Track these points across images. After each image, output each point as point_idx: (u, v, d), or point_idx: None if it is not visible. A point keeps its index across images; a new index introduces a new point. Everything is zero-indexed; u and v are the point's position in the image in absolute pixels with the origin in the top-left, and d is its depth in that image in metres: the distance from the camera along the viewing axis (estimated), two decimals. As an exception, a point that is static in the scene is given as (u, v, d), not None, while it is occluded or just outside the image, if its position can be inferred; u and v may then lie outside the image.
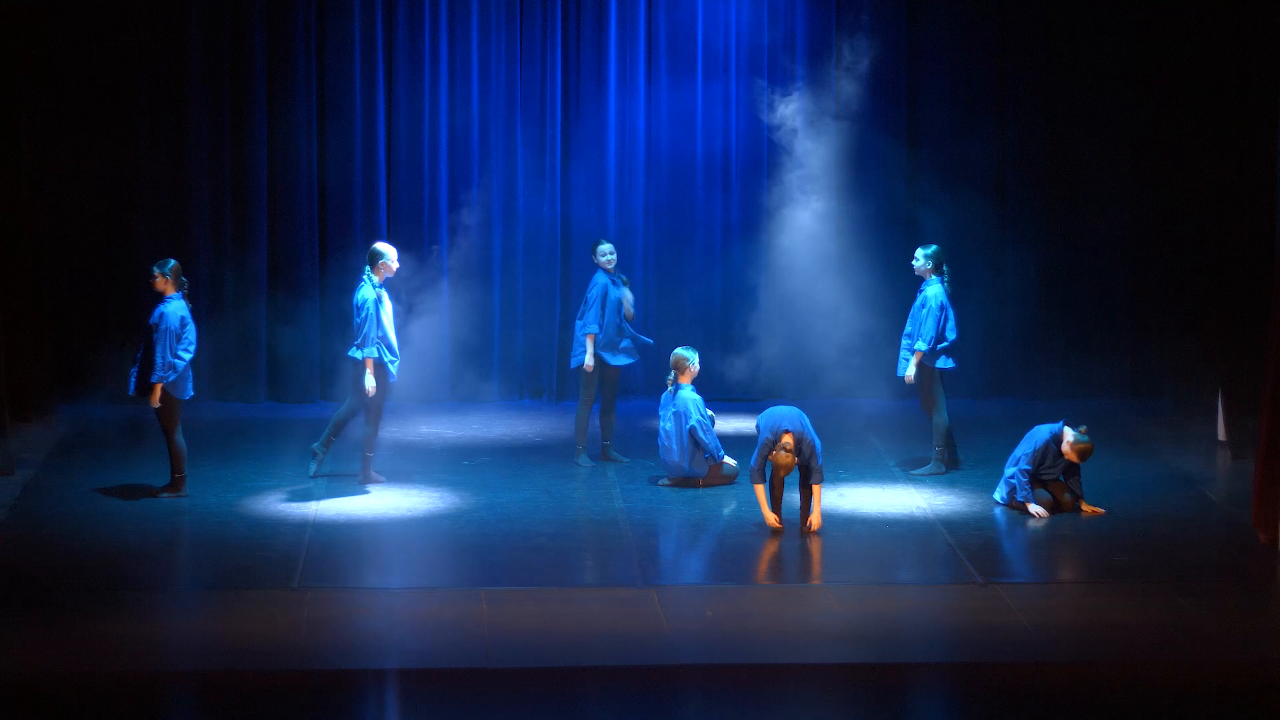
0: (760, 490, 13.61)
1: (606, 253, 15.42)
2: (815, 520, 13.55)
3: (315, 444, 14.92)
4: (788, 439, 13.49)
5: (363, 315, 14.48)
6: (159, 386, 14.06)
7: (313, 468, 14.84)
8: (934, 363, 15.03)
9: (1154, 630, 11.65)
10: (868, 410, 17.41)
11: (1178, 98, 17.60)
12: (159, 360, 14.04)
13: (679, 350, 14.95)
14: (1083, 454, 14.07)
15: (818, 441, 13.62)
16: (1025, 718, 10.46)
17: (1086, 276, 18.17)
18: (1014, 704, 10.62)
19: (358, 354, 14.53)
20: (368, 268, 14.62)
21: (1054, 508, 14.10)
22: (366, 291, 14.54)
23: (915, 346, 14.99)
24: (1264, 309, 14.45)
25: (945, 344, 15.05)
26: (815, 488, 13.57)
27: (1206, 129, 17.03)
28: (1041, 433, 14.16)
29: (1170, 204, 17.79)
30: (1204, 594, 12.28)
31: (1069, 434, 14.07)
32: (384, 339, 14.57)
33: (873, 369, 17.38)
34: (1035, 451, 14.08)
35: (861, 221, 17.89)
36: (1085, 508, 14.12)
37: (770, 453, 13.53)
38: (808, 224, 17.80)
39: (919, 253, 15.13)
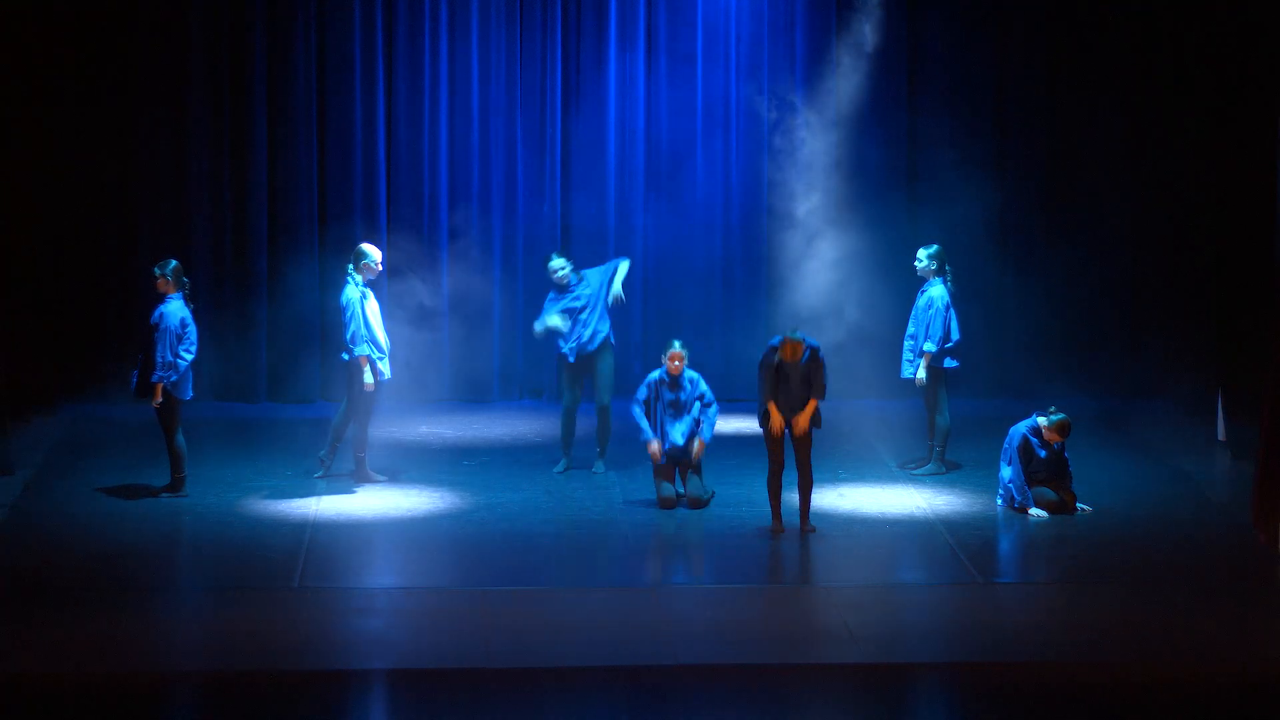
0: (772, 406, 13.48)
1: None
2: (803, 421, 13.43)
3: (322, 452, 14.95)
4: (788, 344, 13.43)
5: (349, 315, 14.50)
6: (159, 386, 14.06)
7: (320, 472, 14.88)
8: (940, 363, 15.03)
9: (1154, 630, 11.65)
10: (868, 411, 17.40)
11: (1178, 98, 17.61)
12: (158, 360, 14.05)
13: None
14: (1063, 429, 14.08)
15: (825, 360, 13.52)
16: (1025, 718, 10.46)
17: (1087, 277, 18.15)
18: (1014, 704, 10.62)
19: (348, 355, 14.55)
20: (350, 267, 14.65)
21: (1056, 508, 14.10)
22: (351, 291, 14.56)
23: (923, 347, 14.98)
24: (1264, 309, 14.45)
25: (950, 344, 15.06)
26: (812, 402, 13.46)
27: (1206, 129, 17.04)
28: (1017, 432, 14.17)
29: (1170, 204, 17.80)
30: (1203, 594, 12.28)
31: (1042, 421, 14.10)
32: (371, 338, 14.58)
33: (873, 369, 17.36)
34: (1018, 450, 14.10)
35: (862, 220, 17.86)
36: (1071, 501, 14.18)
37: (773, 364, 13.41)
38: (808, 223, 17.80)
39: (921, 253, 15.12)
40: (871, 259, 17.65)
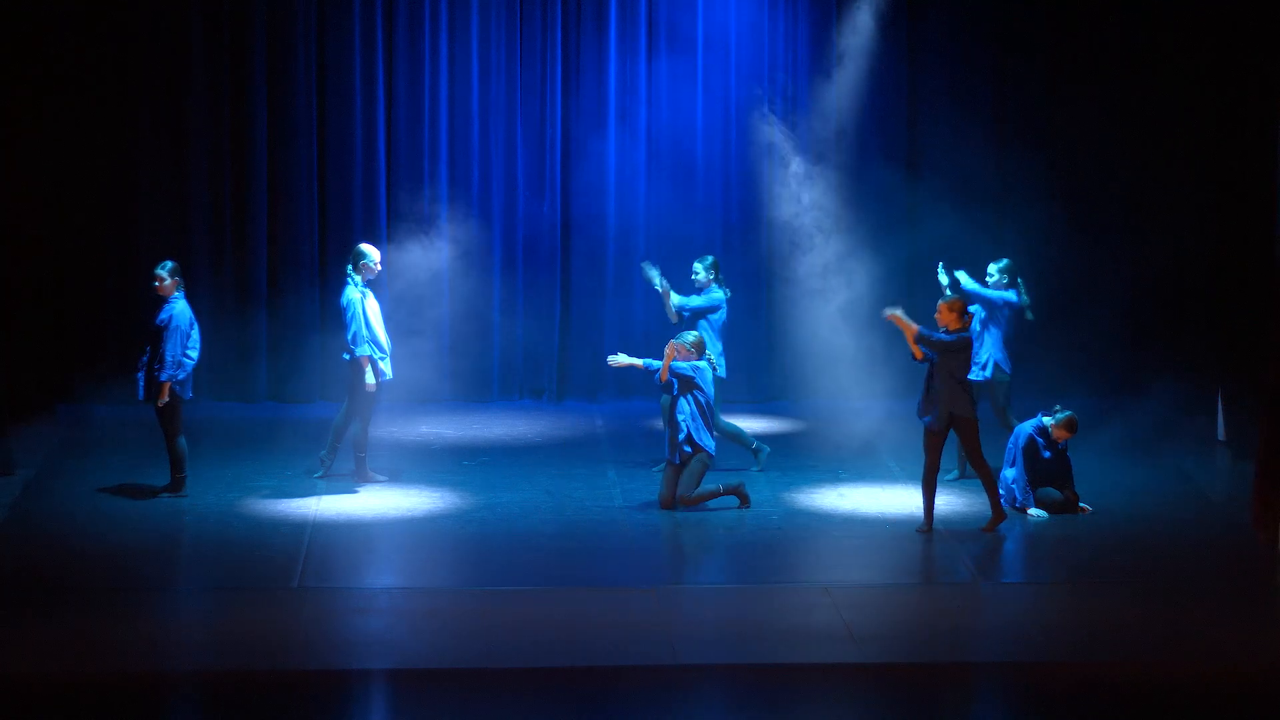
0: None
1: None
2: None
3: (322, 452, 14.94)
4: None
5: (350, 315, 14.52)
6: (166, 385, 14.06)
7: (320, 472, 14.88)
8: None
9: (1154, 630, 11.65)
10: (868, 411, 17.38)
11: (1178, 99, 17.61)
12: (168, 358, 14.04)
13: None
14: (1070, 426, 14.10)
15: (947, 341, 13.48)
16: (1025, 718, 10.46)
17: (1087, 278, 18.15)
18: (1014, 704, 10.62)
19: (349, 355, 14.56)
20: (350, 268, 14.65)
21: (1059, 508, 14.10)
22: (352, 292, 14.56)
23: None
24: (1264, 309, 14.45)
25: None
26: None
27: (1207, 129, 17.04)
28: (1023, 432, 14.17)
29: (1170, 204, 17.79)
30: (1204, 594, 12.28)
31: (1048, 420, 14.11)
32: (372, 338, 14.59)
33: (872, 369, 17.35)
34: (1024, 450, 14.10)
35: (861, 221, 17.87)
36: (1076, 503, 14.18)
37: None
38: (808, 223, 17.79)
39: (992, 268, 15.08)
40: (872, 257, 17.63)
